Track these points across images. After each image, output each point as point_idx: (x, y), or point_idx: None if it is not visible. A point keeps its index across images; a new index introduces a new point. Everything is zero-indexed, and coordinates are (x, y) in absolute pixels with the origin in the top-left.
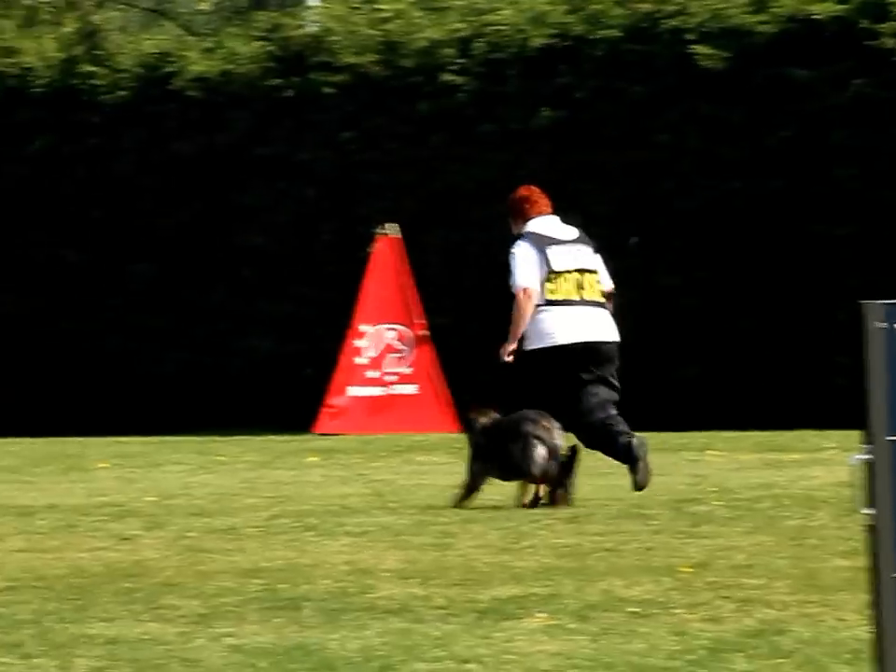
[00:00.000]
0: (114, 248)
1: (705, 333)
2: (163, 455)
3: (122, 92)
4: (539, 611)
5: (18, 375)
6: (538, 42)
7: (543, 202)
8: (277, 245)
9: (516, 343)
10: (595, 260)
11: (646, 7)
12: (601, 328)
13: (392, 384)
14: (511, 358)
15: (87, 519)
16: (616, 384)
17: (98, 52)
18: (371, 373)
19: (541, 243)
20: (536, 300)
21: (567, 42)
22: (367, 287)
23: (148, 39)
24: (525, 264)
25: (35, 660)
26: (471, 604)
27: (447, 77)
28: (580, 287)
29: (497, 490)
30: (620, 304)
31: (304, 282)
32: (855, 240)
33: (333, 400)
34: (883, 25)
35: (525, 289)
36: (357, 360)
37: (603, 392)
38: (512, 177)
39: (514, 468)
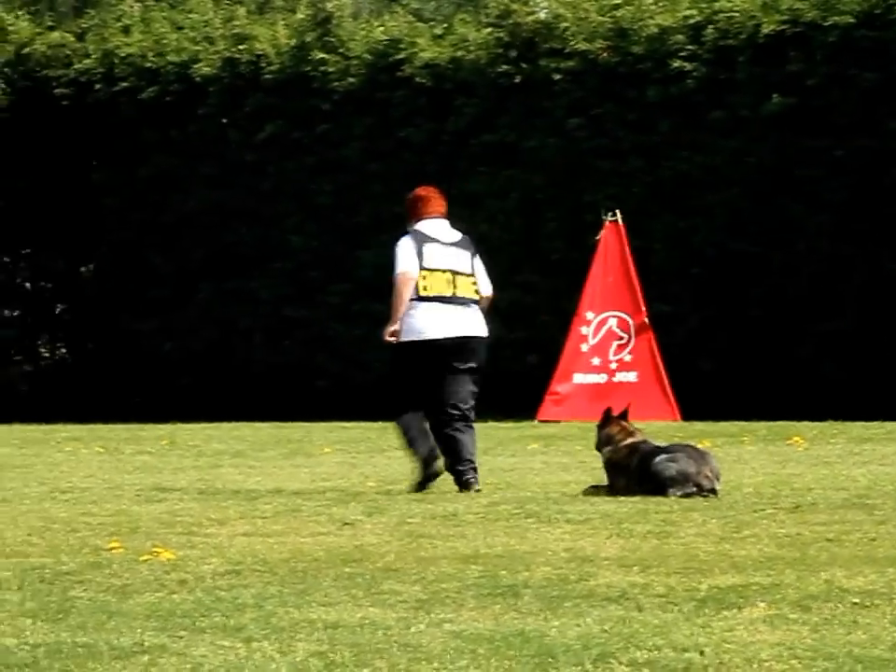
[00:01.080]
0: (342, 234)
1: None
2: (386, 441)
3: (352, 79)
4: (760, 601)
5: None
6: (768, 28)
7: (437, 203)
8: (503, 231)
9: (397, 324)
10: (472, 264)
11: None
12: (469, 323)
13: (614, 371)
14: (393, 339)
15: (310, 504)
16: (479, 376)
17: (330, 39)
18: (595, 360)
19: (421, 240)
20: (413, 284)
21: (797, 28)
22: (593, 274)
23: (380, 26)
24: (405, 254)
25: (256, 643)
26: (691, 593)
27: (677, 63)
28: (452, 285)
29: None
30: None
31: (530, 269)
32: None
33: (558, 387)
34: None
35: (403, 273)
36: (583, 347)
37: (464, 383)
38: (740, 163)
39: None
